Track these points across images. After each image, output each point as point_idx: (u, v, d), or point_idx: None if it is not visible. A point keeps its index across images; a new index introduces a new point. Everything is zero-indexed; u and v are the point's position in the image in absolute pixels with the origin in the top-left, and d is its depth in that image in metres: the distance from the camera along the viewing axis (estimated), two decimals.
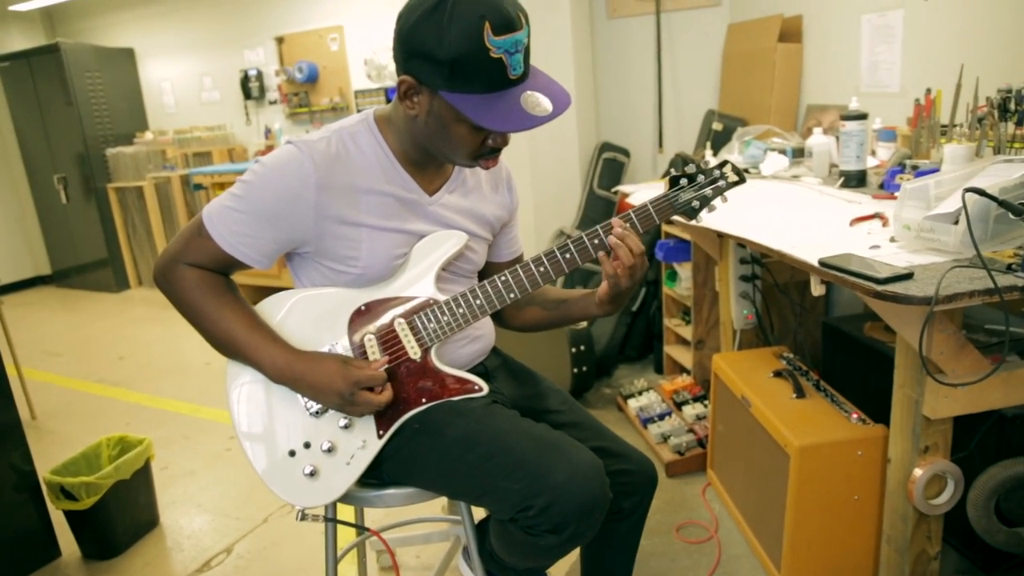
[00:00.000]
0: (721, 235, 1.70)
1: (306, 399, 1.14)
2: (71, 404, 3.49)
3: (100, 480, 2.08)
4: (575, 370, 2.93)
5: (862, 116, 2.02)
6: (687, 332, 2.86)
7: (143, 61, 5.86)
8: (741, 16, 3.27)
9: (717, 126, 3.06)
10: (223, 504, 2.41)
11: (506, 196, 1.34)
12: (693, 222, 1.24)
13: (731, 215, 1.84)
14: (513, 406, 1.29)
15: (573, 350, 2.91)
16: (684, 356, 2.92)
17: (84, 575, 2.12)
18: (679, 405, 2.64)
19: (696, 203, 1.20)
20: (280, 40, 5.01)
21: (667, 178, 1.21)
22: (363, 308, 1.15)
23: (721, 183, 1.21)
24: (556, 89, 1.06)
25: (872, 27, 2.52)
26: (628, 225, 1.14)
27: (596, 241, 1.15)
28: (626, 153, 3.73)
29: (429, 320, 1.15)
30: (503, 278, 1.15)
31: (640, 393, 2.81)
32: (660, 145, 3.70)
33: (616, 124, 3.86)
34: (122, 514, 2.17)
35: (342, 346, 1.16)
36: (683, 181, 1.20)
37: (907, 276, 1.20)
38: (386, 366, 1.14)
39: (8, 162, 6.01)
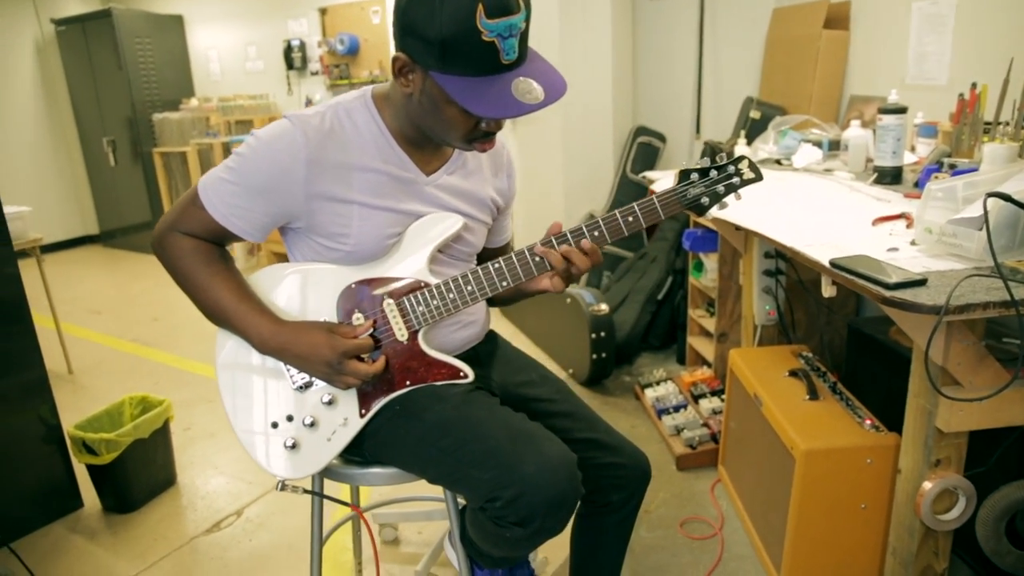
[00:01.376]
0: (739, 228, 1.65)
1: (292, 373, 1.15)
2: (105, 361, 3.61)
3: (119, 437, 2.15)
4: (594, 356, 2.90)
5: (900, 110, 1.92)
6: (711, 324, 2.81)
7: (192, 28, 5.95)
8: (788, 0, 3.15)
9: (755, 114, 2.97)
10: (239, 468, 2.47)
11: (505, 182, 1.32)
12: (706, 218, 1.20)
13: (752, 207, 1.78)
14: (502, 393, 1.28)
15: (593, 336, 2.89)
16: (706, 348, 2.87)
17: (103, 526, 2.20)
18: (696, 398, 2.60)
19: (706, 199, 1.16)
20: (323, 11, 5.03)
21: (677, 171, 1.17)
22: (353, 286, 1.15)
23: (735, 180, 1.17)
24: (552, 76, 1.03)
25: (922, 15, 2.40)
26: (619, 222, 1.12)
27: (596, 233, 1.13)
28: (662, 138, 3.66)
29: (418, 303, 1.14)
30: (496, 265, 1.13)
31: (658, 383, 2.77)
32: (698, 131, 3.61)
33: (653, 108, 3.77)
34: (139, 471, 2.24)
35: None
36: (694, 176, 1.16)
37: (920, 282, 1.15)
38: (370, 331, 1.13)
39: (62, 124, 6.19)
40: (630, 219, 1.12)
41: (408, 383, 1.15)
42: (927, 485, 1.41)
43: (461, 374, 1.14)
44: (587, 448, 1.28)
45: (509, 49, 0.97)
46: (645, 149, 3.64)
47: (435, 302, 1.14)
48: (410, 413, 1.14)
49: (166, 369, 3.45)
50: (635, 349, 3.23)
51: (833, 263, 1.26)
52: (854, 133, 2.21)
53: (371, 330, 1.13)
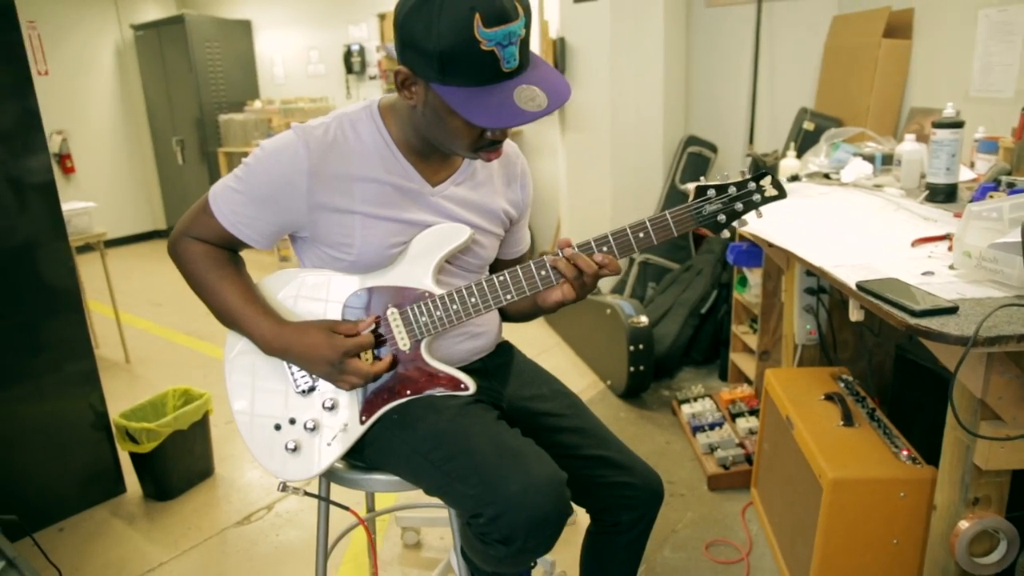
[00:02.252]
0: (772, 245, 1.59)
1: (295, 377, 1.17)
2: (161, 352, 3.76)
3: (159, 428, 2.23)
4: (631, 368, 2.86)
5: (956, 124, 1.82)
6: (753, 341, 2.72)
7: (258, 33, 6.15)
8: (850, 7, 3.04)
9: (808, 125, 2.87)
10: None
11: (518, 193, 1.31)
12: (722, 236, 1.16)
13: (789, 224, 1.72)
14: (510, 406, 1.27)
15: (631, 348, 2.84)
16: (748, 366, 2.79)
17: (142, 512, 2.29)
18: (734, 416, 2.53)
19: (723, 217, 1.12)
20: (382, 17, 5.12)
21: (694, 186, 1.14)
22: (358, 293, 1.16)
23: (755, 197, 1.12)
24: (556, 81, 1.01)
25: (990, 23, 2.28)
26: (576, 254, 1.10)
27: (606, 248, 1.11)
28: (713, 148, 3.58)
29: (421, 313, 1.14)
30: (501, 278, 1.12)
31: (695, 399, 2.70)
32: (751, 142, 3.51)
33: (705, 118, 3.70)
34: (178, 461, 2.32)
35: None
36: (711, 191, 1.12)
37: (949, 310, 1.08)
38: (371, 326, 1.14)
39: (136, 124, 6.50)
40: (641, 235, 1.10)
41: (408, 392, 1.15)
42: (963, 525, 1.33)
43: (462, 386, 1.14)
44: (596, 466, 1.26)
45: (509, 57, 0.96)
46: (695, 159, 3.57)
47: (438, 312, 1.13)
48: (406, 423, 1.14)
49: (216, 363, 3.57)
50: (676, 363, 3.16)
51: (860, 286, 1.20)
52: (908, 147, 2.10)
53: (372, 327, 1.14)
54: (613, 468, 1.26)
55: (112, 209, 6.17)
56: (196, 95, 5.77)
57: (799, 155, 2.67)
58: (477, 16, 0.92)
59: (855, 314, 1.30)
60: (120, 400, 2.40)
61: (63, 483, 2.27)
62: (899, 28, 2.71)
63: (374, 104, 1.16)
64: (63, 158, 5.98)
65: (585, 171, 3.79)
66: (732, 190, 1.12)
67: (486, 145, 1.08)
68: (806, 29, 3.23)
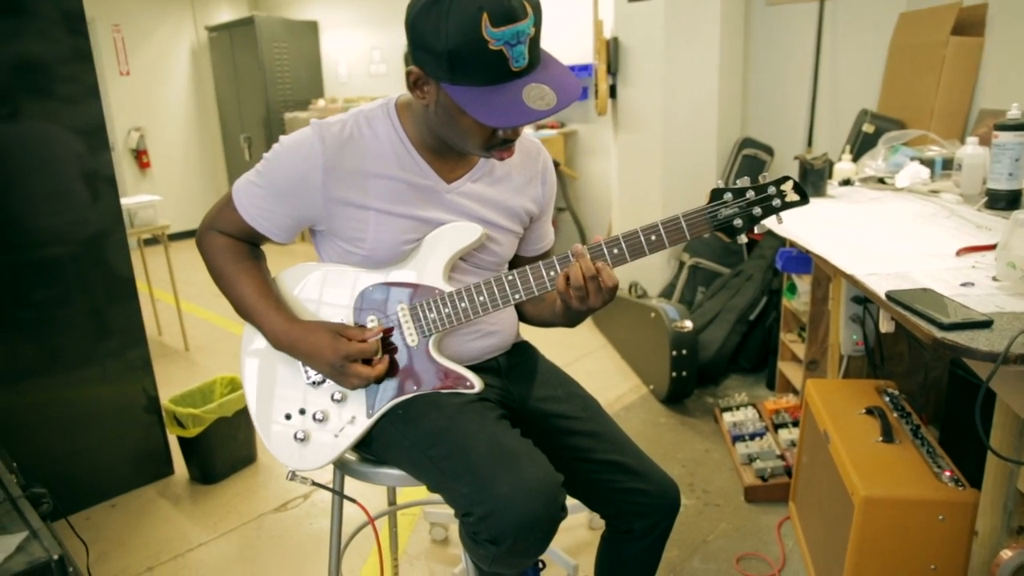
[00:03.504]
0: (807, 252, 1.53)
1: (307, 368, 1.20)
2: (219, 341, 3.90)
3: (205, 414, 2.32)
4: (673, 374, 2.80)
5: (1021, 126, 1.72)
6: (801, 350, 2.63)
7: (324, 33, 6.32)
8: (918, 3, 2.89)
9: (868, 128, 2.75)
10: None
11: (539, 189, 1.29)
12: (739, 240, 1.12)
13: (831, 229, 1.65)
14: (521, 407, 1.26)
15: (674, 353, 2.79)
16: (796, 375, 2.69)
17: (187, 494, 2.38)
18: (777, 427, 2.45)
19: (739, 222, 1.08)
20: None
21: (711, 190, 1.11)
22: (370, 288, 1.17)
23: (775, 202, 1.09)
24: (565, 79, 1.00)
25: None
26: (586, 256, 1.08)
27: (616, 251, 1.09)
28: (769, 151, 3.47)
29: (430, 310, 1.15)
30: (510, 277, 1.12)
31: (738, 408, 2.63)
32: (809, 144, 3.39)
33: (762, 119, 3.59)
34: (222, 446, 2.41)
35: (347, 321, 1.19)
36: (727, 195, 1.09)
37: (983, 324, 1.02)
38: (379, 335, 1.15)
39: (208, 122, 6.78)
40: (652, 238, 1.08)
41: (414, 388, 1.16)
42: (1006, 554, 1.25)
43: (467, 384, 1.14)
44: (610, 471, 1.24)
45: (518, 56, 0.96)
46: (750, 162, 3.47)
47: (446, 310, 1.14)
48: (409, 418, 1.15)
49: None
50: (722, 370, 3.08)
51: (889, 295, 1.15)
52: (970, 151, 1.99)
53: (380, 335, 1.15)
54: (627, 474, 1.24)
55: (183, 203, 6.44)
56: (264, 94, 5.97)
57: (855, 158, 2.56)
58: (485, 16, 0.92)
59: (885, 325, 1.24)
60: (176, 386, 2.50)
61: (117, 462, 2.38)
62: (970, 25, 2.56)
63: (391, 102, 1.17)
64: (139, 153, 6.29)
65: (637, 172, 3.74)
66: (750, 194, 1.08)
67: (498, 144, 1.08)
68: (871, 27, 3.09)
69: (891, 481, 1.47)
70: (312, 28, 6.29)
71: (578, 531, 2.08)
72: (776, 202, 1.09)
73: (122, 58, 6.14)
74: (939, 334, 1.00)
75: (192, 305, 4.38)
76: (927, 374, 2.35)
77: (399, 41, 5.59)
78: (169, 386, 2.57)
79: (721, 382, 3.06)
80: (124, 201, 3.55)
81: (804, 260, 2.52)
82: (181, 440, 2.40)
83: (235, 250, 1.21)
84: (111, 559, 2.05)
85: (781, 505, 2.14)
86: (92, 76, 2.18)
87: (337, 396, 1.17)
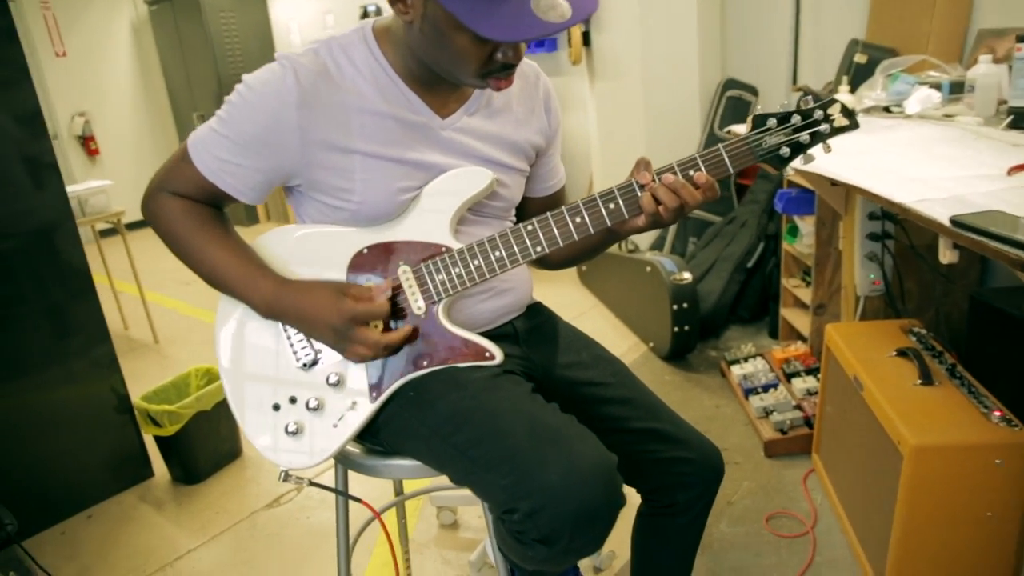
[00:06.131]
0: (835, 183, 1.39)
1: (296, 349, 1.03)
2: (191, 331, 3.69)
3: (181, 409, 2.14)
4: (675, 329, 2.69)
5: None
6: (806, 295, 2.52)
7: (273, 1, 5.98)
8: None
9: (860, 58, 2.61)
10: None
11: (544, 119, 1.13)
12: (786, 172, 0.98)
13: (853, 159, 1.52)
14: (545, 376, 1.11)
15: (675, 307, 2.67)
16: (802, 321, 2.59)
17: (170, 496, 2.22)
18: (789, 377, 2.35)
19: (786, 150, 0.95)
20: None
21: (751, 117, 0.96)
22: (365, 251, 1.01)
23: (823, 127, 0.95)
24: None
25: None
26: (678, 176, 0.93)
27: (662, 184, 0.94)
28: (753, 91, 3.33)
29: (437, 270, 0.99)
30: (529, 227, 0.96)
31: (746, 359, 2.52)
32: (794, 81, 3.25)
33: (744, 58, 3.43)
34: (204, 443, 2.24)
35: None
36: (771, 122, 0.94)
37: None
38: (388, 293, 0.98)
39: (157, 101, 6.42)
40: (691, 174, 0.93)
41: (425, 364, 1.00)
42: None
43: (487, 354, 0.98)
44: (647, 440, 1.11)
45: None
46: (735, 103, 3.33)
47: (456, 270, 0.98)
48: (424, 401, 0.99)
49: None
50: (722, 321, 2.98)
51: (955, 221, 1.01)
52: (983, 71, 1.86)
53: (388, 292, 0.99)
54: (666, 442, 1.11)
55: (138, 189, 6.03)
56: (214, 67, 5.64)
57: (852, 90, 2.43)
58: None
59: (947, 256, 1.11)
60: (149, 381, 2.32)
61: (90, 469, 2.20)
62: None
63: (368, 27, 0.99)
64: (87, 140, 5.94)
65: (617, 123, 3.58)
66: (796, 119, 0.94)
67: (496, 69, 0.91)
68: None
69: (939, 427, 1.36)
70: None
71: None
72: (824, 127, 0.95)
73: (56, 38, 5.74)
74: None
75: (157, 295, 4.15)
76: (939, 309, 2.26)
77: (353, 4, 5.30)
78: (141, 382, 2.38)
79: (722, 334, 2.96)
80: (72, 188, 3.29)
81: (806, 200, 2.39)
82: (158, 440, 2.23)
83: (196, 214, 1.02)
84: (93, 574, 1.89)
85: (803, 458, 2.04)
86: (21, 56, 1.96)
87: (333, 379, 1.01)
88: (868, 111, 2.22)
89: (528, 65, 1.11)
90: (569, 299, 3.47)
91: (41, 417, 2.08)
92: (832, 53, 3.05)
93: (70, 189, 3.25)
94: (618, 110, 3.55)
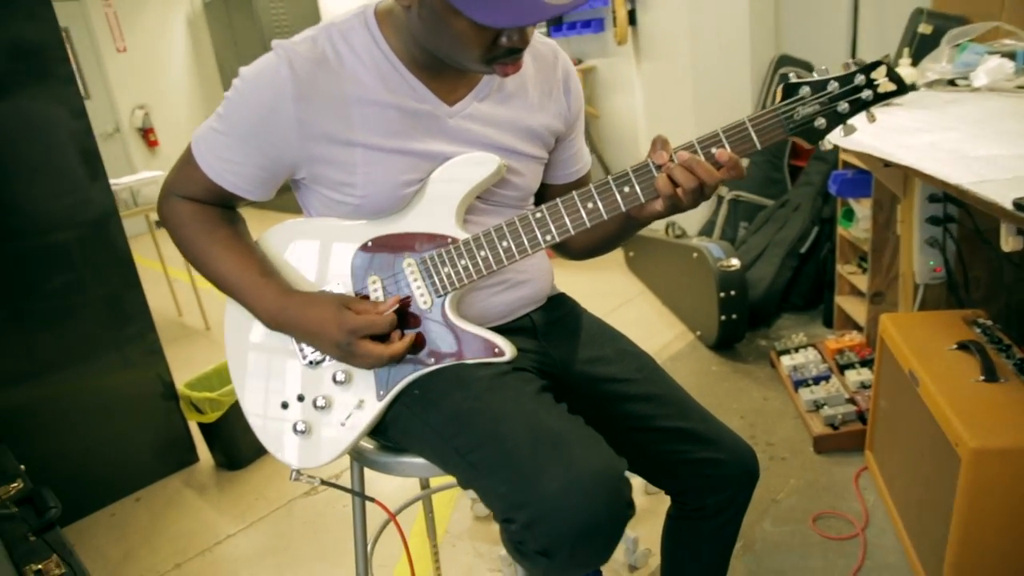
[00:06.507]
0: (888, 163, 1.29)
1: (303, 345, 1.00)
2: None
3: (222, 397, 2.17)
4: (723, 317, 2.58)
5: None
6: (862, 282, 2.39)
7: None
8: None
9: (924, 28, 2.44)
10: None
11: (562, 101, 1.06)
12: (823, 145, 0.90)
13: (907, 136, 1.41)
14: (563, 371, 1.06)
15: (721, 295, 2.57)
16: (857, 310, 2.46)
17: (213, 481, 2.26)
18: (842, 368, 2.23)
19: (821, 122, 0.86)
20: None
21: (781, 86, 0.88)
22: (369, 244, 0.97)
23: (865, 94, 0.86)
24: None
25: None
26: (693, 153, 0.86)
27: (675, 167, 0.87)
28: (808, 68, 3.16)
29: (443, 263, 0.94)
30: (538, 215, 0.90)
31: (797, 350, 2.41)
32: (853, 56, 3.07)
33: (800, 33, 3.27)
34: (245, 429, 2.21)
35: (345, 288, 0.99)
36: (804, 90, 0.86)
37: None
38: (394, 308, 0.94)
39: (213, 93, 6.56)
40: (714, 151, 0.85)
41: (432, 361, 0.96)
42: None
43: (496, 351, 0.93)
44: (675, 439, 1.05)
45: None
46: None
47: (463, 262, 0.93)
48: (428, 400, 0.95)
49: None
50: (774, 310, 2.85)
51: (1019, 203, 0.91)
52: None
53: (396, 306, 0.95)
54: (695, 442, 1.05)
55: None
56: None
57: (915, 63, 2.27)
58: None
59: (1010, 243, 1.01)
60: (199, 367, 2.36)
61: (139, 454, 2.27)
62: None
63: (369, 10, 0.94)
64: (146, 132, 6.12)
65: (665, 104, 3.46)
66: (833, 86, 0.85)
67: (501, 55, 0.85)
68: None
69: (1002, 428, 1.25)
70: None
71: (636, 499, 1.90)
72: (867, 94, 0.86)
73: (117, 34, 5.92)
74: None
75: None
76: (1007, 300, 2.10)
77: None
78: (191, 368, 2.42)
79: (773, 323, 2.84)
80: (126, 179, 3.40)
81: (862, 182, 2.26)
82: (201, 426, 2.27)
83: (204, 217, 1.00)
84: (137, 558, 1.94)
85: (856, 455, 1.93)
86: (66, 53, 2.02)
87: (340, 377, 0.98)
88: (931, 85, 2.07)
89: (545, 44, 1.05)
90: (616, 286, 3.39)
91: (93, 403, 2.15)
92: (895, 25, 2.86)
93: (124, 180, 3.36)
94: (666, 91, 3.43)
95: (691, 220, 3.40)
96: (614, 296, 3.24)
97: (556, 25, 4.06)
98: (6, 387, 1.99)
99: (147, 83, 6.11)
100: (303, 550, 1.88)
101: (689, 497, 1.09)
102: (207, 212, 1.01)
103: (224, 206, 1.03)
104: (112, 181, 2.48)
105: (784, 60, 3.18)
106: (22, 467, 1.83)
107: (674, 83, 3.35)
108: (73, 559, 1.60)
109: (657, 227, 3.44)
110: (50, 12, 1.95)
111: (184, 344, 3.42)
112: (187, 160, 0.98)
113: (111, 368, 2.18)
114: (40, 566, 1.54)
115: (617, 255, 3.62)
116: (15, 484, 1.76)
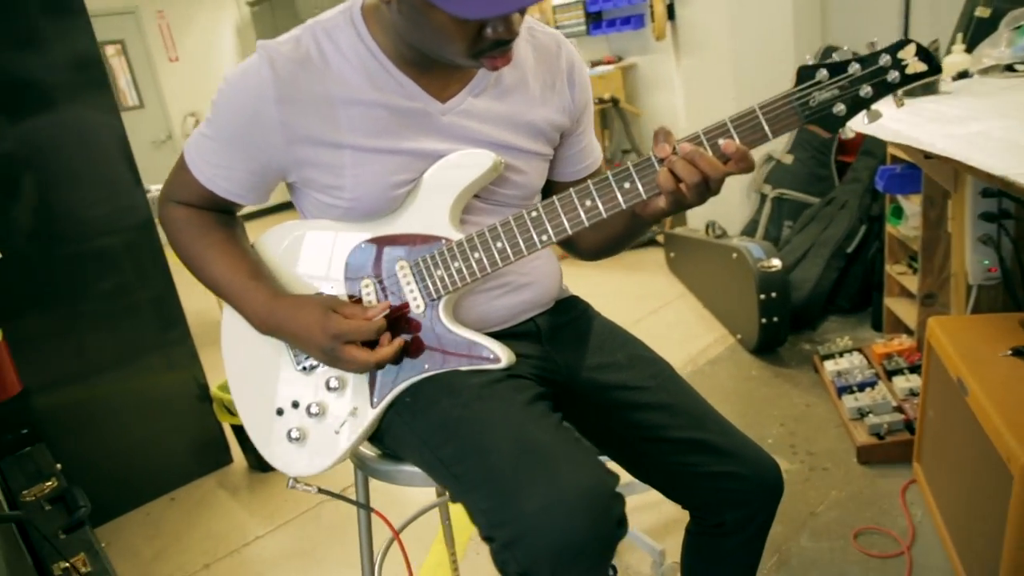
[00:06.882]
0: (929, 155, 1.20)
1: (295, 352, 0.98)
2: None
3: None
4: (763, 320, 2.49)
5: None
6: (913, 283, 2.26)
7: None
8: None
9: (982, 12, 2.29)
10: None
11: (566, 94, 1.01)
12: (845, 134, 0.83)
13: (954, 126, 1.31)
14: (569, 379, 1.01)
15: (761, 296, 2.47)
16: (908, 313, 2.33)
17: (245, 483, 2.28)
18: (890, 374, 2.11)
19: (841, 107, 0.79)
20: None
21: (797, 68, 0.82)
22: (362, 246, 0.94)
23: (891, 76, 0.79)
24: None
25: None
26: (695, 146, 0.80)
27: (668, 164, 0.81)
28: None
29: (435, 265, 0.90)
30: (534, 214, 0.86)
31: (841, 354, 2.29)
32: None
33: (847, 22, 3.13)
34: None
35: (338, 291, 0.96)
36: (821, 73, 0.79)
37: None
38: (384, 313, 0.91)
39: None
40: (722, 142, 0.79)
41: (426, 367, 0.92)
42: None
43: (491, 357, 0.89)
44: (689, 451, 0.99)
45: None
46: None
47: (456, 264, 0.89)
48: (418, 408, 0.91)
49: None
50: (819, 312, 2.73)
51: None
52: None
53: (386, 311, 0.91)
54: (712, 454, 0.98)
55: None
56: None
57: (969, 49, 2.14)
58: None
59: None
60: None
61: (175, 454, 2.31)
62: None
63: (355, 6, 0.91)
64: None
65: (706, 101, 3.36)
66: (855, 68, 0.78)
67: (488, 47, 0.80)
68: None
69: None
70: None
71: (664, 508, 1.83)
72: (893, 75, 0.79)
73: (169, 44, 6.11)
74: None
75: None
76: None
77: None
78: (223, 371, 2.46)
79: (818, 326, 2.71)
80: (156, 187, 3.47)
81: (911, 177, 2.13)
82: (234, 427, 2.29)
83: (199, 223, 0.99)
84: (168, 556, 1.96)
85: (903, 467, 1.82)
86: (102, 62, 2.08)
87: (333, 383, 0.95)
88: (986, 71, 1.94)
89: (547, 34, 1.00)
90: (656, 288, 3.31)
91: (133, 405, 2.20)
92: (950, 10, 2.71)
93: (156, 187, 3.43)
94: (707, 88, 3.34)
95: (733, 219, 3.29)
96: (653, 298, 3.15)
97: (596, 23, 4.00)
98: (53, 388, 2.05)
99: (198, 91, 6.27)
100: (328, 554, 1.87)
101: (707, 512, 1.03)
102: (202, 217, 1.00)
103: (221, 211, 1.02)
104: (155, 187, 2.55)
105: (830, 51, 3.02)
106: (58, 466, 1.88)
107: (715, 78, 3.25)
108: (100, 558, 1.63)
109: (697, 227, 3.34)
110: (89, 27, 2.00)
111: (217, 347, 3.48)
112: (181, 166, 0.97)
113: (153, 370, 2.23)
114: (67, 564, 1.57)
115: (658, 256, 3.54)
116: (49, 483, 1.81)
